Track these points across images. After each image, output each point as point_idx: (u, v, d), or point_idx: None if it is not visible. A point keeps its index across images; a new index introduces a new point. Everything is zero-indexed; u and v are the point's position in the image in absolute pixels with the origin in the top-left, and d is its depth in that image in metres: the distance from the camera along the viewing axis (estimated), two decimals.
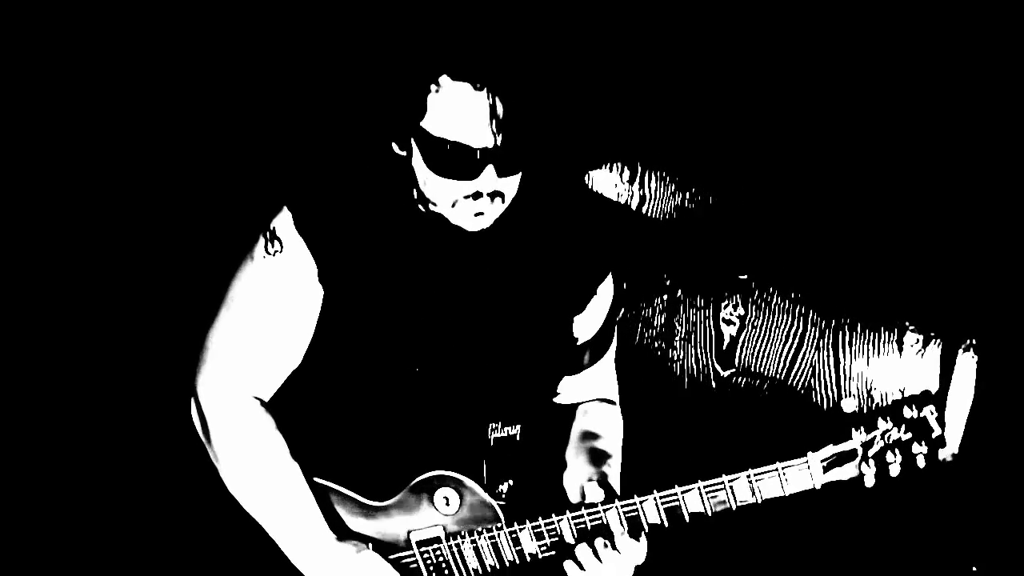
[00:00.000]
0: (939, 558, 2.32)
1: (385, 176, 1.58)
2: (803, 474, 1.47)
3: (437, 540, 1.60)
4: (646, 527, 1.52)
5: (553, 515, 1.55)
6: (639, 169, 2.57)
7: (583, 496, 1.61)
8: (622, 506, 1.52)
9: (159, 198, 2.45)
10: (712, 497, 1.49)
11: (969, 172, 2.21)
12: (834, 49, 2.27)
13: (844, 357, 2.42)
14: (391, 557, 1.60)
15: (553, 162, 1.64)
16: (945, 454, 2.28)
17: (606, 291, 1.76)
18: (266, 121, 2.45)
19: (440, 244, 1.59)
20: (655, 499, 1.51)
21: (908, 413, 1.44)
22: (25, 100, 2.32)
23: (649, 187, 2.57)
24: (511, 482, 1.73)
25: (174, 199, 2.46)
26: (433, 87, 1.41)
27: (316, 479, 1.61)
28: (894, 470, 1.45)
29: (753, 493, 1.48)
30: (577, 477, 1.70)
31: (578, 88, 2.45)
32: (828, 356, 2.43)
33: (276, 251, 1.56)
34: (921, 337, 2.33)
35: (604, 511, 1.53)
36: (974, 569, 2.26)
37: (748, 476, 1.48)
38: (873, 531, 2.38)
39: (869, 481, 1.47)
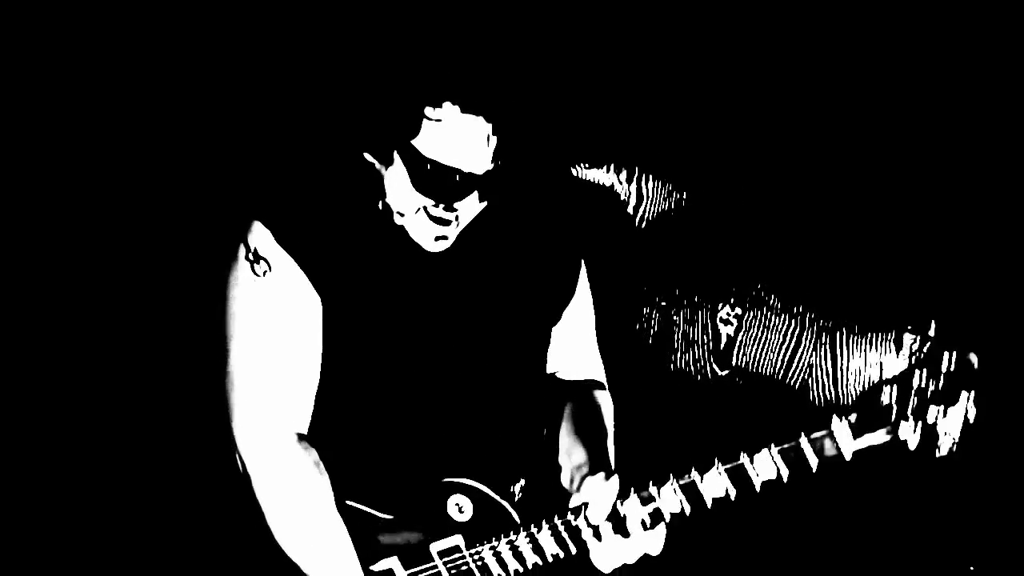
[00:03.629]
0: (937, 558, 2.32)
1: (357, 178, 1.56)
2: (830, 443, 1.37)
3: (457, 549, 1.56)
4: (667, 517, 1.45)
5: (570, 513, 1.50)
6: (636, 170, 2.57)
7: (578, 484, 1.56)
8: (639, 496, 1.45)
9: (133, 214, 2.41)
10: (733, 478, 1.41)
11: (967, 174, 2.21)
12: (832, 51, 2.27)
13: (841, 357, 2.41)
14: (413, 571, 1.58)
15: (533, 159, 1.63)
16: (942, 452, 2.28)
17: (581, 282, 1.75)
18: (234, 135, 2.39)
19: (400, 250, 1.57)
20: (673, 486, 1.44)
21: (946, 362, 1.33)
22: None
23: (646, 187, 2.56)
24: (523, 482, 1.70)
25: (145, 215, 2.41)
26: (431, 110, 1.40)
27: (348, 502, 1.57)
28: (942, 426, 1.33)
29: (778, 471, 1.39)
30: (570, 465, 1.65)
31: (571, 91, 2.44)
32: (825, 356, 2.43)
33: (265, 271, 1.51)
34: (918, 338, 2.33)
35: (621, 503, 1.46)
36: (971, 569, 2.27)
37: (770, 452, 1.40)
38: (872, 531, 2.38)
39: (912, 442, 1.34)
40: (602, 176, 2.58)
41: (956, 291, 2.27)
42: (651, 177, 2.56)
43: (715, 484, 1.42)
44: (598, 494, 1.47)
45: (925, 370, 1.33)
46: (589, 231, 1.77)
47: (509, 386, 1.69)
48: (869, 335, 2.39)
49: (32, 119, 2.33)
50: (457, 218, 1.49)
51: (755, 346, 2.51)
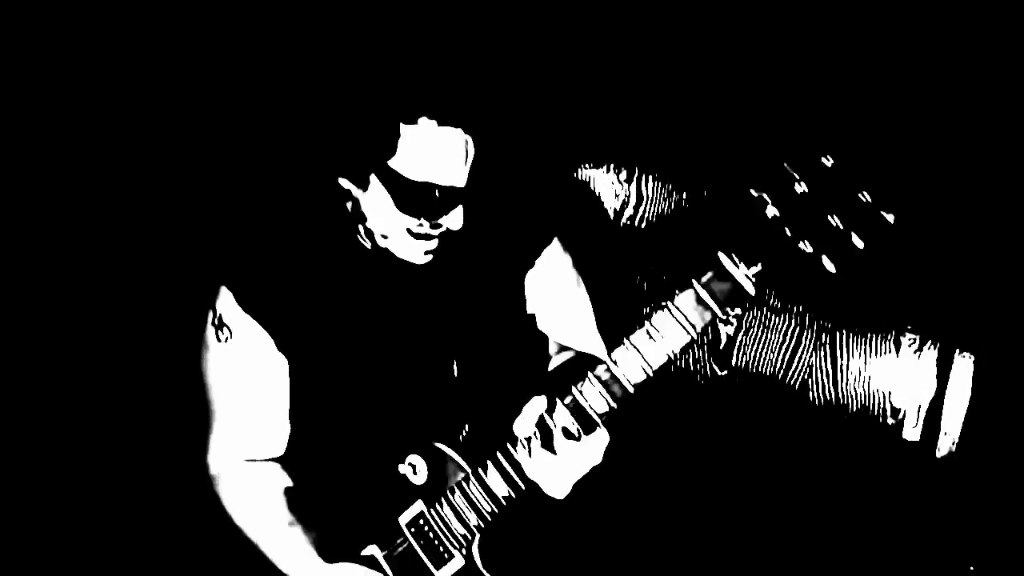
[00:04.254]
0: (936, 558, 2.32)
1: (320, 222, 1.57)
2: (723, 280, 1.31)
3: (421, 515, 1.56)
4: (596, 418, 1.38)
5: (508, 444, 1.45)
6: (636, 170, 2.57)
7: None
8: (564, 402, 1.39)
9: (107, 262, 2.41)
10: (642, 353, 1.33)
11: (968, 173, 2.21)
12: (831, 50, 2.27)
13: (841, 358, 2.42)
14: (389, 550, 1.59)
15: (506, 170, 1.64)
16: (943, 452, 2.28)
17: (554, 253, 1.72)
18: (199, 189, 2.38)
19: (386, 270, 1.58)
20: (589, 380, 1.37)
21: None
22: None
23: (646, 188, 2.56)
24: (467, 427, 1.65)
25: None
26: (407, 128, 1.39)
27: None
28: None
29: (681, 324, 1.31)
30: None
31: (567, 92, 2.44)
32: (825, 357, 2.43)
33: (227, 338, 1.55)
34: (917, 338, 2.33)
35: (549, 415, 1.40)
36: (971, 569, 2.27)
37: (666, 306, 1.32)
38: (871, 531, 2.38)
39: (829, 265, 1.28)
40: (601, 176, 2.58)
41: (956, 291, 2.28)
42: (651, 177, 2.56)
43: (630, 366, 1.34)
44: (527, 408, 1.43)
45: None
46: (577, 226, 1.75)
47: (496, 387, 1.70)
48: (869, 335, 2.39)
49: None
50: (441, 234, 1.50)
51: (755, 346, 2.51)
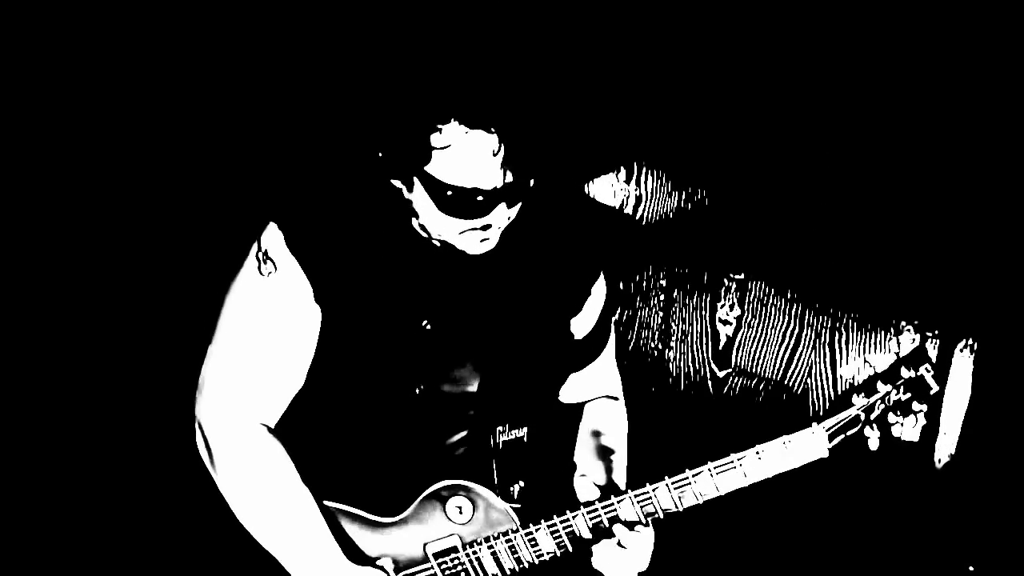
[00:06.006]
0: (936, 558, 2.32)
1: (378, 193, 1.55)
2: (809, 443, 1.49)
3: (454, 550, 1.59)
4: (660, 514, 1.53)
5: (568, 512, 1.55)
6: (635, 169, 2.57)
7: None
8: (635, 495, 1.53)
9: (147, 208, 2.43)
10: (723, 476, 1.50)
11: (967, 171, 2.21)
12: (832, 47, 2.27)
13: (841, 357, 2.41)
14: (409, 572, 1.59)
15: (550, 171, 1.63)
16: (942, 454, 2.28)
17: (599, 290, 1.75)
18: (255, 134, 2.42)
19: (434, 257, 1.57)
20: (667, 485, 1.52)
21: (905, 373, 1.47)
22: None
23: (645, 186, 2.56)
24: (522, 484, 1.72)
25: (161, 209, 2.43)
26: (436, 134, 1.38)
27: (327, 503, 1.59)
28: (896, 430, 1.49)
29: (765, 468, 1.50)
30: (585, 475, 1.70)
31: (575, 93, 2.44)
32: (825, 356, 2.43)
33: (270, 272, 1.52)
34: (918, 336, 2.32)
35: (618, 503, 1.53)
36: (971, 569, 2.27)
37: (757, 452, 1.50)
38: (871, 531, 2.38)
39: (873, 444, 1.49)
40: (600, 177, 2.58)
41: (956, 291, 2.27)
42: (651, 177, 2.56)
43: (707, 484, 1.52)
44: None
45: (888, 382, 1.48)
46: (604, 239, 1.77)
47: (517, 392, 1.69)
48: (868, 334, 2.38)
49: (63, 121, 2.38)
50: (490, 226, 1.49)
51: (755, 346, 2.51)
